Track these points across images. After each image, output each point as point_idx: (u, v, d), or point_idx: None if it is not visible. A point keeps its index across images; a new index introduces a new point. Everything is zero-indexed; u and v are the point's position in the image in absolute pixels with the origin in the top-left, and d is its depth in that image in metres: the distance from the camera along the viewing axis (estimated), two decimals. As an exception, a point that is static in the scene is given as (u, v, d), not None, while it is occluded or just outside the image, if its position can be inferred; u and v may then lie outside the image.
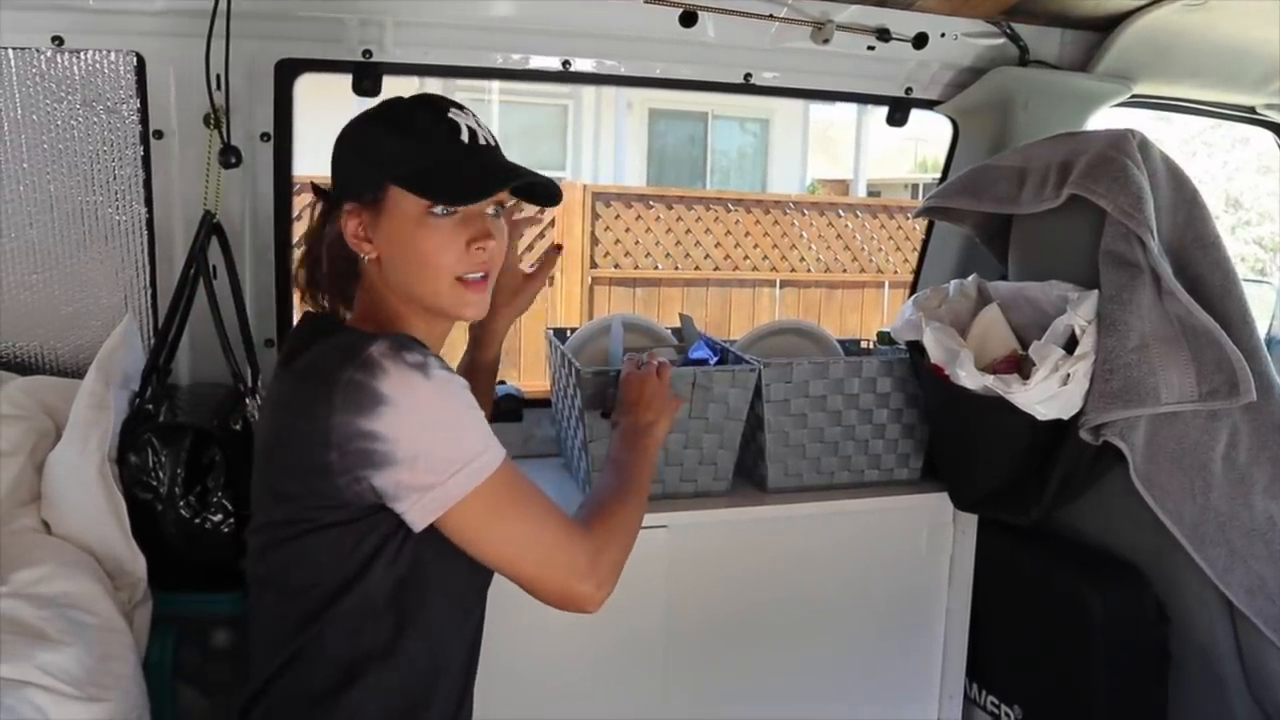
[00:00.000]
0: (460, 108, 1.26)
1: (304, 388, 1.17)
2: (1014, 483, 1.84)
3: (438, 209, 1.21)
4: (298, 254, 1.35)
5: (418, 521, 1.14)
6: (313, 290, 1.32)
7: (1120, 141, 1.75)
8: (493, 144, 1.28)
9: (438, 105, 1.25)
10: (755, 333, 2.15)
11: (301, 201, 1.21)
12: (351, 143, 1.26)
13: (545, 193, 1.32)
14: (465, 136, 1.23)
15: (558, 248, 1.74)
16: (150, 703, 1.50)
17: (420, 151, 1.21)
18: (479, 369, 1.62)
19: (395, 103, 1.27)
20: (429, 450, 1.13)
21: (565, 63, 2.07)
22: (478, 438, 1.16)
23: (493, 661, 1.33)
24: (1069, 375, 1.67)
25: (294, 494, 1.17)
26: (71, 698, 1.34)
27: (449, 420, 1.15)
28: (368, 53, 1.90)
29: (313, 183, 1.30)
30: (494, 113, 9.68)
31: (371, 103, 1.37)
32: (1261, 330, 1.80)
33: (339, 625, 1.18)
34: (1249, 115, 2.66)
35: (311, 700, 1.19)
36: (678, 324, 2.16)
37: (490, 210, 1.26)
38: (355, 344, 1.14)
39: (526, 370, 6.91)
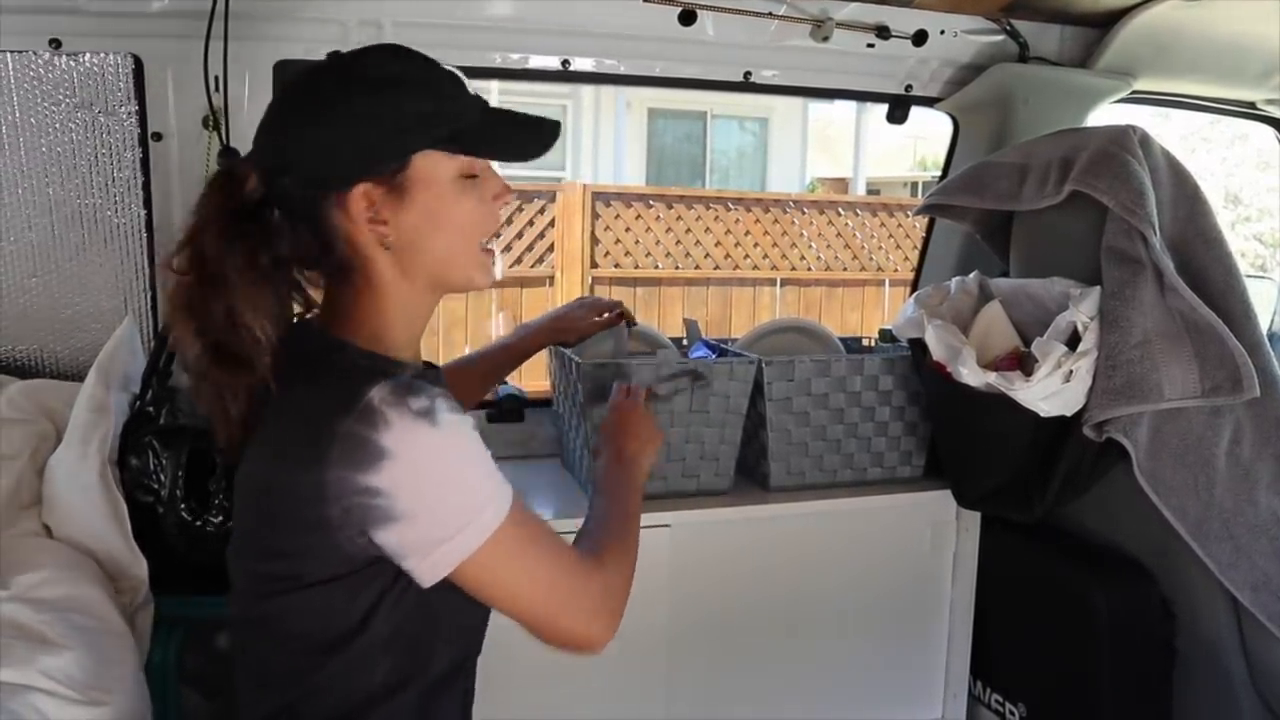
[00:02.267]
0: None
1: (297, 435, 1.04)
2: (1017, 480, 1.84)
3: (474, 174, 1.13)
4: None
5: (426, 579, 1.05)
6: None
7: (1121, 137, 1.75)
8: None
9: (425, 56, 1.13)
10: (757, 331, 2.14)
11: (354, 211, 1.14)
12: (351, 114, 1.08)
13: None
14: (471, 89, 1.15)
15: (630, 320, 1.87)
16: (153, 705, 1.50)
17: (452, 108, 1.11)
18: (500, 367, 1.70)
19: (379, 58, 1.12)
20: (435, 505, 1.03)
21: (564, 62, 2.06)
22: (486, 486, 1.06)
23: (493, 660, 1.32)
24: (1071, 372, 1.67)
25: (287, 550, 1.06)
26: (73, 701, 1.34)
27: (456, 472, 1.05)
28: (366, 53, 1.89)
29: (235, 167, 1.09)
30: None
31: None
32: (1263, 326, 1.80)
33: (335, 674, 1.10)
34: (1249, 111, 2.66)
35: None
36: (669, 327, 2.15)
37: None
38: (352, 389, 1.02)
39: (528, 371, 6.90)
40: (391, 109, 1.08)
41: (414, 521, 1.02)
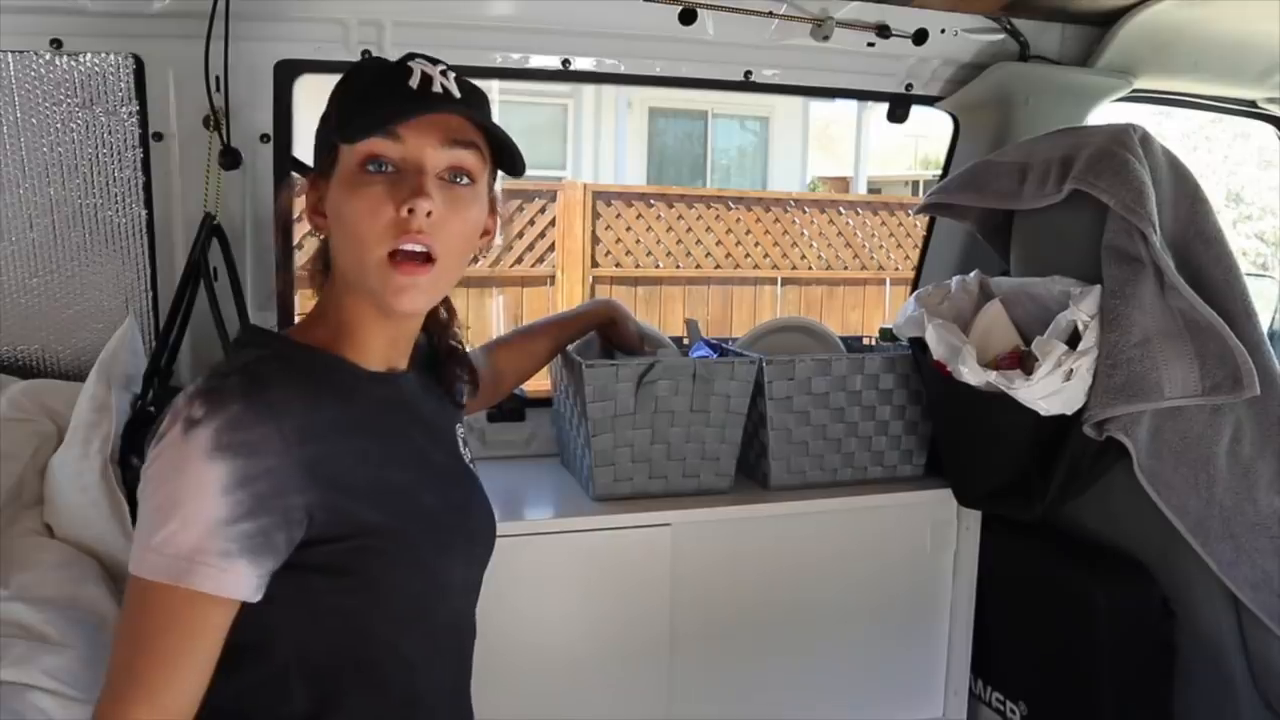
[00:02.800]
0: (434, 61, 1.09)
1: None
2: (1018, 479, 1.84)
3: (369, 165, 1.04)
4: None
5: None
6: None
7: (1122, 136, 1.75)
8: (455, 96, 1.07)
9: (404, 58, 1.09)
10: (757, 330, 2.15)
11: (303, 203, 1.15)
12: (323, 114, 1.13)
13: (506, 158, 1.14)
14: (415, 82, 1.05)
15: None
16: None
17: (358, 99, 1.07)
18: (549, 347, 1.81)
19: (362, 61, 1.19)
20: (143, 503, 0.97)
21: (565, 61, 2.06)
22: (176, 536, 0.92)
23: (494, 660, 1.32)
24: (1072, 370, 1.67)
25: None
26: (75, 700, 1.34)
27: (168, 495, 0.94)
28: (366, 53, 1.89)
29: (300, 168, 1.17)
30: (494, 113, 9.69)
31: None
32: (1264, 324, 1.80)
33: (240, 696, 1.03)
34: (1250, 109, 2.66)
35: None
36: (669, 326, 2.15)
37: (450, 176, 1.07)
38: (206, 376, 1.00)
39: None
40: (329, 105, 1.10)
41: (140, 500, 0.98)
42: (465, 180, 1.08)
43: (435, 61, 1.09)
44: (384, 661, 1.10)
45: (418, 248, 1.04)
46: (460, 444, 1.30)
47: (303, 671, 1.04)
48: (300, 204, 1.17)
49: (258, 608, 0.98)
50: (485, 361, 1.72)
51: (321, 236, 1.13)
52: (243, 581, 0.95)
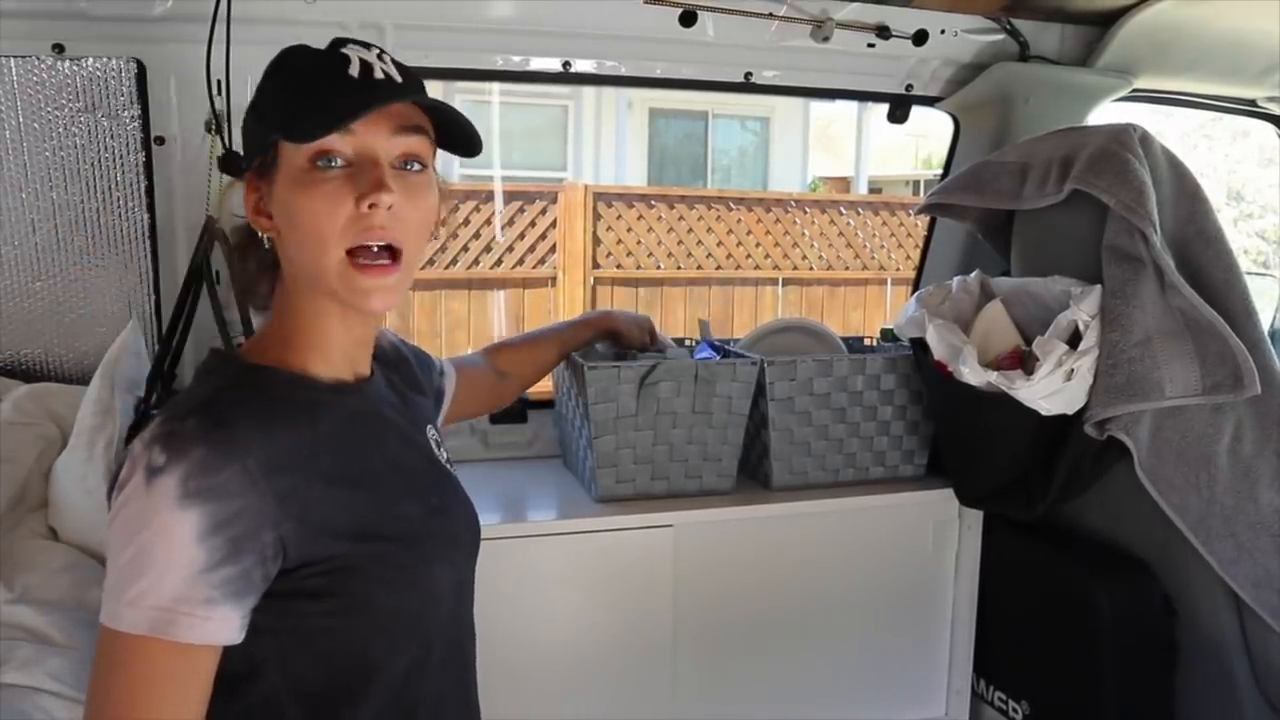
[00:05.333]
0: (368, 46, 1.06)
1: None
2: (1019, 478, 1.84)
3: (320, 161, 1.00)
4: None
5: None
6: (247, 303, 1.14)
7: (1121, 136, 1.75)
8: (398, 81, 1.04)
9: (332, 44, 1.05)
10: (759, 331, 2.15)
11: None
12: (249, 107, 1.07)
13: (459, 137, 1.10)
14: (355, 69, 1.01)
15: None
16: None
17: (297, 94, 1.01)
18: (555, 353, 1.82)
19: (288, 49, 1.08)
20: (113, 556, 0.94)
21: (565, 64, 2.07)
22: (147, 586, 0.90)
23: (497, 661, 1.32)
24: (1073, 370, 1.67)
25: None
26: (80, 703, 1.34)
27: (135, 544, 0.91)
28: (368, 56, 1.90)
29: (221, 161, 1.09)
30: (494, 114, 9.71)
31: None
32: (1265, 323, 1.80)
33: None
34: (1250, 108, 2.66)
35: None
36: (671, 327, 2.16)
37: (401, 163, 1.04)
38: (161, 418, 0.97)
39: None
40: (260, 97, 1.06)
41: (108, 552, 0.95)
42: (417, 167, 1.05)
43: (368, 46, 1.06)
44: (378, 676, 1.07)
45: (381, 243, 1.01)
46: (434, 445, 1.26)
47: (295, 693, 1.03)
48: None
49: (245, 639, 0.97)
50: (485, 362, 1.72)
51: (268, 239, 1.07)
52: (227, 626, 0.94)
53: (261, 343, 1.11)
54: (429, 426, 1.29)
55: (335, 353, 1.10)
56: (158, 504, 0.90)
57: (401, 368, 1.33)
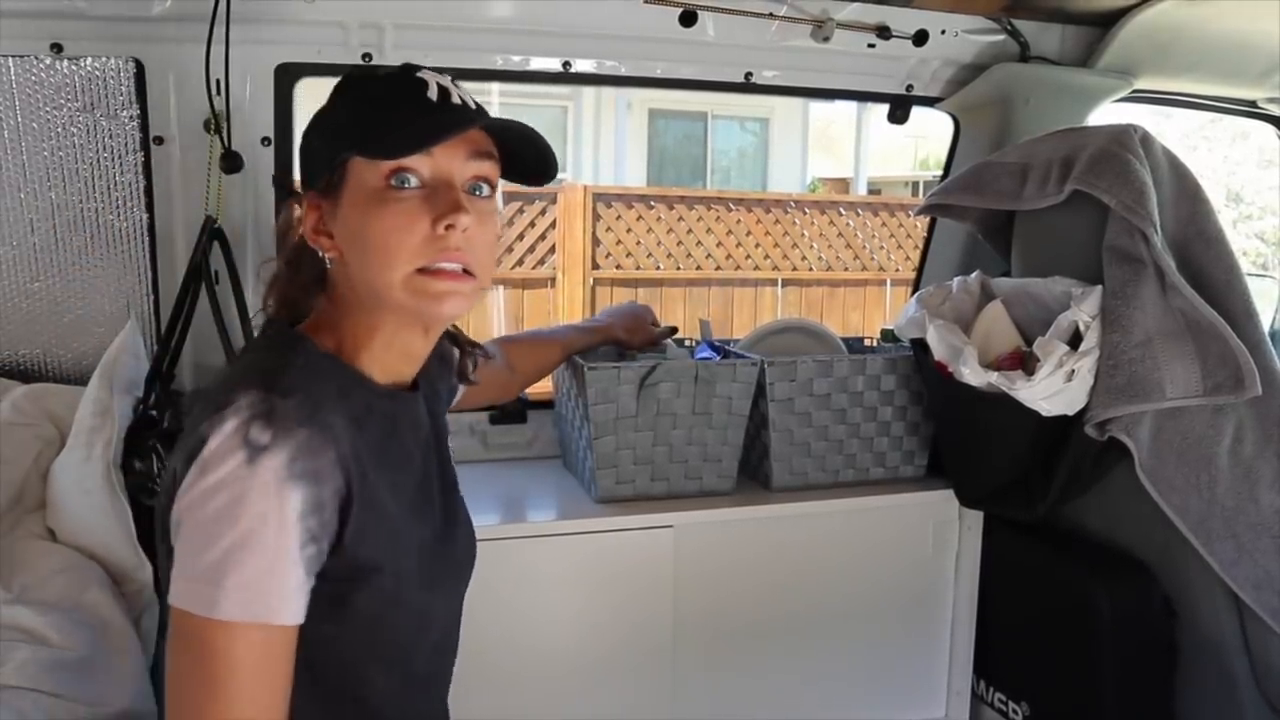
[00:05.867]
0: (439, 71, 1.07)
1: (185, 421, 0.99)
2: (1019, 479, 1.84)
3: (394, 180, 1.00)
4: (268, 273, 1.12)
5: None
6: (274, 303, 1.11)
7: (1122, 136, 1.75)
8: (472, 106, 1.05)
9: (406, 68, 1.05)
10: (758, 332, 2.15)
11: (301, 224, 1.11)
12: (311, 124, 1.08)
13: (537, 164, 1.11)
14: (434, 94, 1.02)
15: (672, 329, 1.98)
16: (156, 707, 1.50)
17: (377, 112, 1.02)
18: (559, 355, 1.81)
19: (358, 70, 1.09)
20: (194, 535, 0.91)
21: (565, 64, 2.06)
22: (243, 573, 0.89)
23: (496, 662, 1.32)
24: (1073, 371, 1.67)
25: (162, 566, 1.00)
26: (78, 703, 1.35)
27: (230, 528, 0.89)
28: (367, 56, 1.90)
29: (276, 179, 1.10)
30: (494, 114, 9.72)
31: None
32: (1265, 324, 1.80)
33: None
34: (1250, 109, 2.66)
35: None
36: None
37: (470, 187, 1.04)
38: (240, 381, 0.95)
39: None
40: (331, 117, 1.06)
41: (178, 532, 0.93)
42: (486, 191, 1.06)
43: (440, 71, 1.06)
44: (363, 692, 1.07)
45: (456, 266, 1.01)
46: (448, 460, 1.25)
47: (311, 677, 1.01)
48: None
49: None
50: (500, 354, 1.68)
51: (332, 258, 1.06)
52: (304, 604, 0.94)
53: (323, 332, 1.08)
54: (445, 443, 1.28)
55: (383, 362, 1.10)
56: (265, 483, 0.89)
57: (431, 380, 1.28)
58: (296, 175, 1.12)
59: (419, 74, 1.04)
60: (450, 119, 1.01)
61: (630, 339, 1.93)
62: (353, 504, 0.97)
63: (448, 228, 0.99)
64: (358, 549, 0.99)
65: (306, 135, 1.08)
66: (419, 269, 1.00)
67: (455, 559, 1.20)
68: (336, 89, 1.08)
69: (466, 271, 1.02)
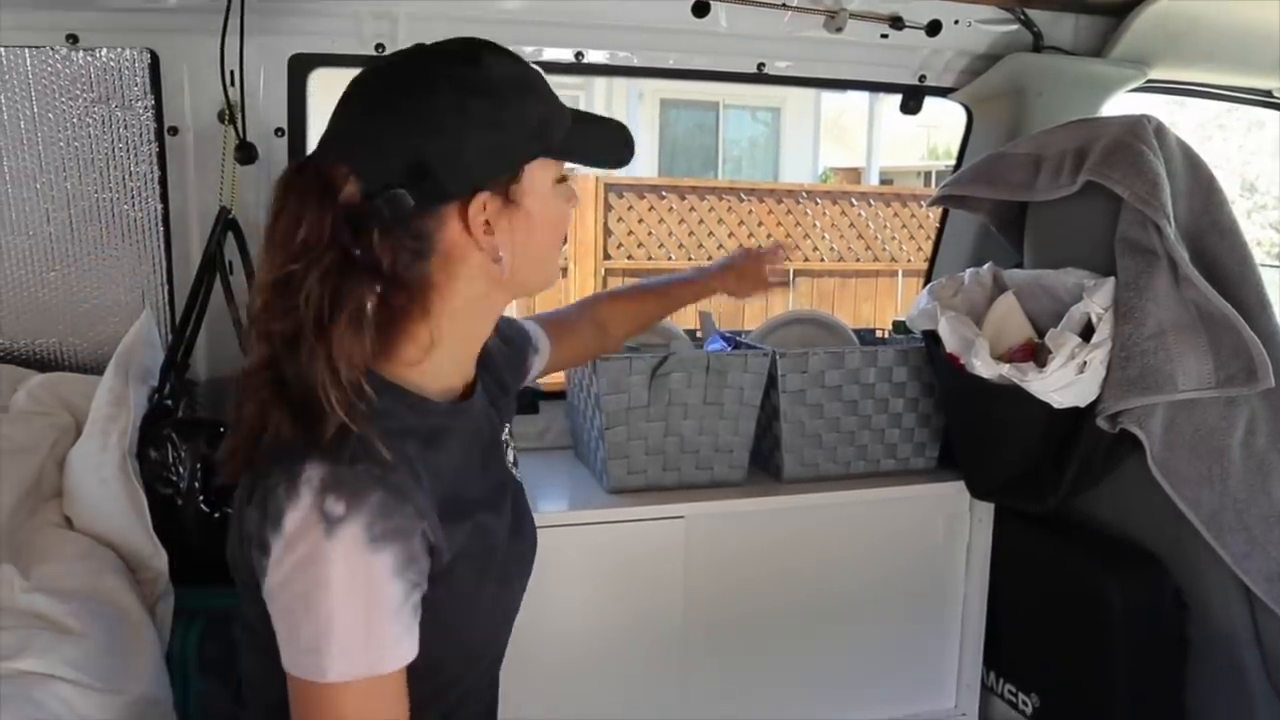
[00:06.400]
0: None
1: (268, 458, 0.98)
2: (1031, 471, 1.84)
3: (561, 179, 1.11)
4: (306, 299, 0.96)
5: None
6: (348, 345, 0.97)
7: (1136, 127, 1.74)
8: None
9: (512, 53, 1.08)
10: (770, 323, 2.15)
11: (471, 223, 1.04)
12: (478, 118, 1.00)
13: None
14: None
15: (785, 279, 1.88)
16: (173, 694, 1.52)
17: (559, 112, 1.09)
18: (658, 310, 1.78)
19: (493, 59, 1.04)
20: (291, 608, 0.94)
21: (578, 54, 2.07)
22: (347, 636, 0.92)
23: (508, 652, 1.33)
24: (1085, 363, 1.67)
25: (238, 561, 1.03)
26: (95, 689, 1.36)
27: (321, 599, 0.91)
28: (380, 46, 1.90)
29: (327, 172, 0.99)
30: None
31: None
32: (1279, 316, 1.79)
33: None
34: (1265, 99, 2.64)
35: None
36: (682, 318, 2.16)
37: None
38: (306, 449, 0.94)
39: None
40: (516, 115, 1.03)
41: (274, 604, 0.95)
42: None
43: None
44: (448, 690, 1.12)
45: None
46: (509, 449, 1.27)
47: None
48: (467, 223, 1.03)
49: None
50: (581, 315, 1.66)
51: (497, 257, 1.04)
52: (415, 644, 0.98)
53: (389, 346, 1.04)
54: (505, 429, 1.29)
55: (463, 360, 1.13)
56: (348, 552, 0.91)
57: (493, 369, 1.29)
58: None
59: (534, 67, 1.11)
60: (627, 139, 1.18)
61: (739, 287, 1.81)
62: (442, 539, 1.00)
63: (574, 205, 1.14)
64: (455, 563, 1.03)
65: (472, 138, 1.00)
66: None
67: (524, 554, 1.23)
68: (504, 86, 1.03)
69: None
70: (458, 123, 1.00)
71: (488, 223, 1.02)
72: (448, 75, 1.01)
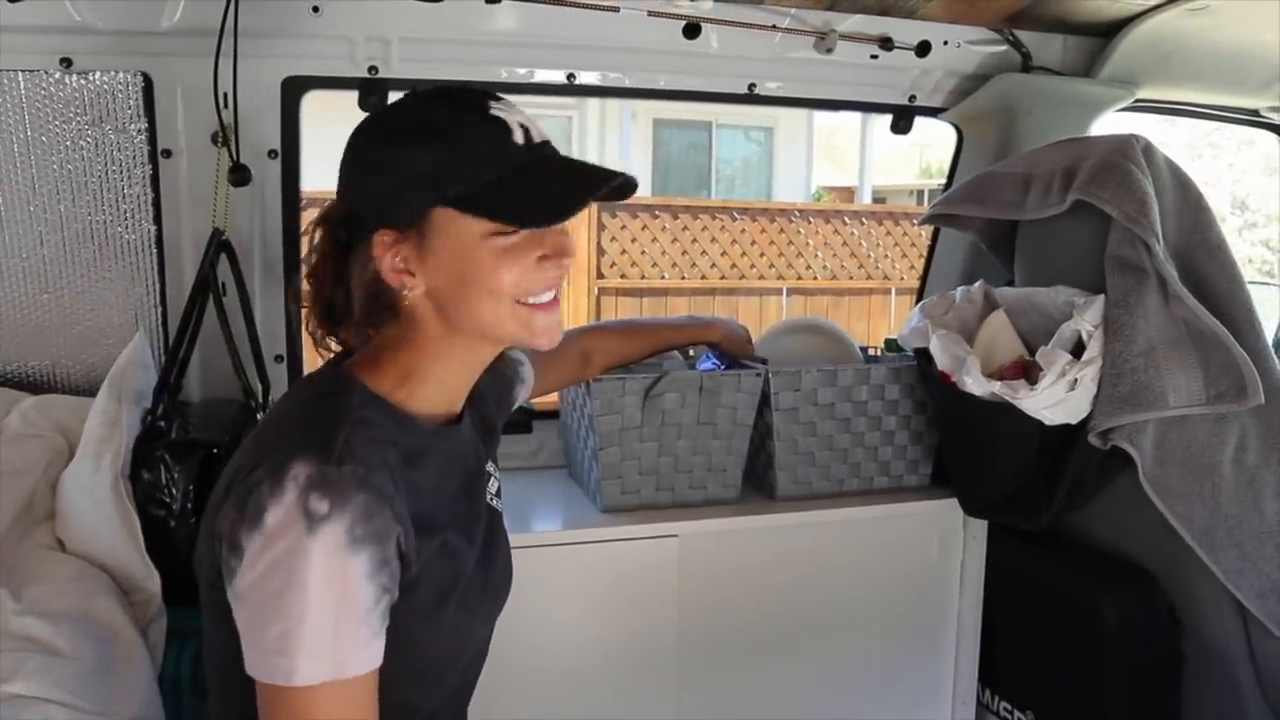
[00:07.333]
0: (496, 98, 1.06)
1: (231, 462, 1.03)
2: (1023, 488, 1.84)
3: (502, 232, 1.02)
4: (306, 290, 1.12)
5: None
6: (331, 334, 1.11)
7: (1124, 147, 1.75)
8: (546, 138, 1.07)
9: (471, 102, 1.04)
10: (772, 331, 2.16)
11: (309, 218, 1.11)
12: (372, 161, 1.05)
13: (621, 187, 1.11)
14: (519, 137, 1.04)
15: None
16: (165, 716, 1.51)
17: (472, 165, 1.01)
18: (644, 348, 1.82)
19: (418, 106, 1.06)
20: (261, 606, 0.93)
21: (570, 76, 2.08)
22: (316, 639, 0.92)
23: (503, 672, 1.33)
24: (1076, 380, 1.67)
25: (203, 561, 1.03)
26: (88, 712, 1.35)
27: (295, 597, 0.91)
28: (373, 69, 1.91)
29: (322, 212, 1.08)
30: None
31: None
32: (1268, 332, 1.80)
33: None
34: (1253, 118, 2.66)
35: None
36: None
37: None
38: (295, 444, 0.97)
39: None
40: (407, 162, 1.02)
41: (243, 605, 0.95)
42: None
43: (497, 98, 1.07)
44: (393, 701, 1.07)
45: (553, 294, 1.08)
46: (491, 481, 1.27)
47: None
48: (305, 219, 1.12)
49: None
50: (569, 344, 1.67)
51: (415, 293, 1.05)
52: (381, 650, 0.98)
53: (372, 368, 1.10)
54: (490, 462, 1.30)
55: (449, 387, 1.13)
56: (327, 551, 0.92)
57: (481, 405, 1.30)
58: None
59: (491, 111, 1.04)
60: (579, 191, 1.05)
61: (729, 345, 1.93)
62: (413, 549, 1.01)
63: (554, 266, 1.06)
64: (419, 579, 1.03)
65: (363, 171, 1.05)
66: (520, 300, 1.05)
67: (493, 585, 1.22)
68: (392, 128, 1.06)
69: (556, 296, 1.08)
70: (361, 164, 1.05)
71: (404, 260, 1.04)
72: (381, 119, 1.08)
